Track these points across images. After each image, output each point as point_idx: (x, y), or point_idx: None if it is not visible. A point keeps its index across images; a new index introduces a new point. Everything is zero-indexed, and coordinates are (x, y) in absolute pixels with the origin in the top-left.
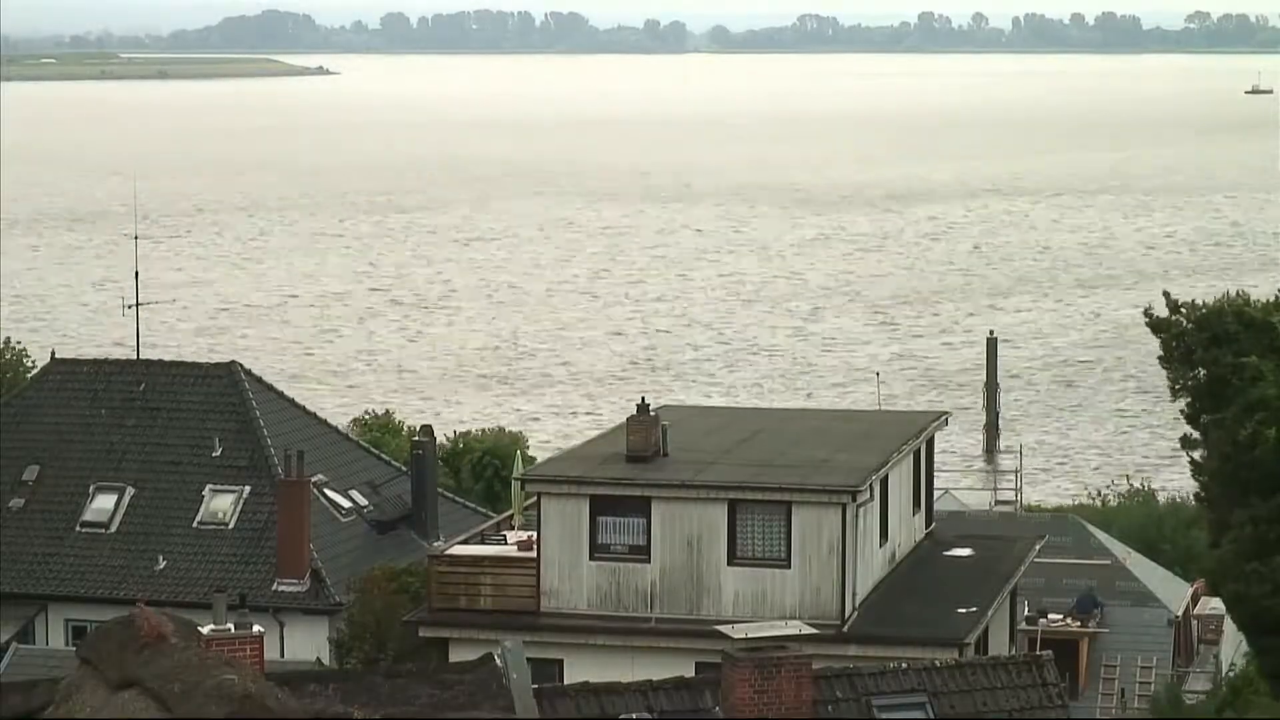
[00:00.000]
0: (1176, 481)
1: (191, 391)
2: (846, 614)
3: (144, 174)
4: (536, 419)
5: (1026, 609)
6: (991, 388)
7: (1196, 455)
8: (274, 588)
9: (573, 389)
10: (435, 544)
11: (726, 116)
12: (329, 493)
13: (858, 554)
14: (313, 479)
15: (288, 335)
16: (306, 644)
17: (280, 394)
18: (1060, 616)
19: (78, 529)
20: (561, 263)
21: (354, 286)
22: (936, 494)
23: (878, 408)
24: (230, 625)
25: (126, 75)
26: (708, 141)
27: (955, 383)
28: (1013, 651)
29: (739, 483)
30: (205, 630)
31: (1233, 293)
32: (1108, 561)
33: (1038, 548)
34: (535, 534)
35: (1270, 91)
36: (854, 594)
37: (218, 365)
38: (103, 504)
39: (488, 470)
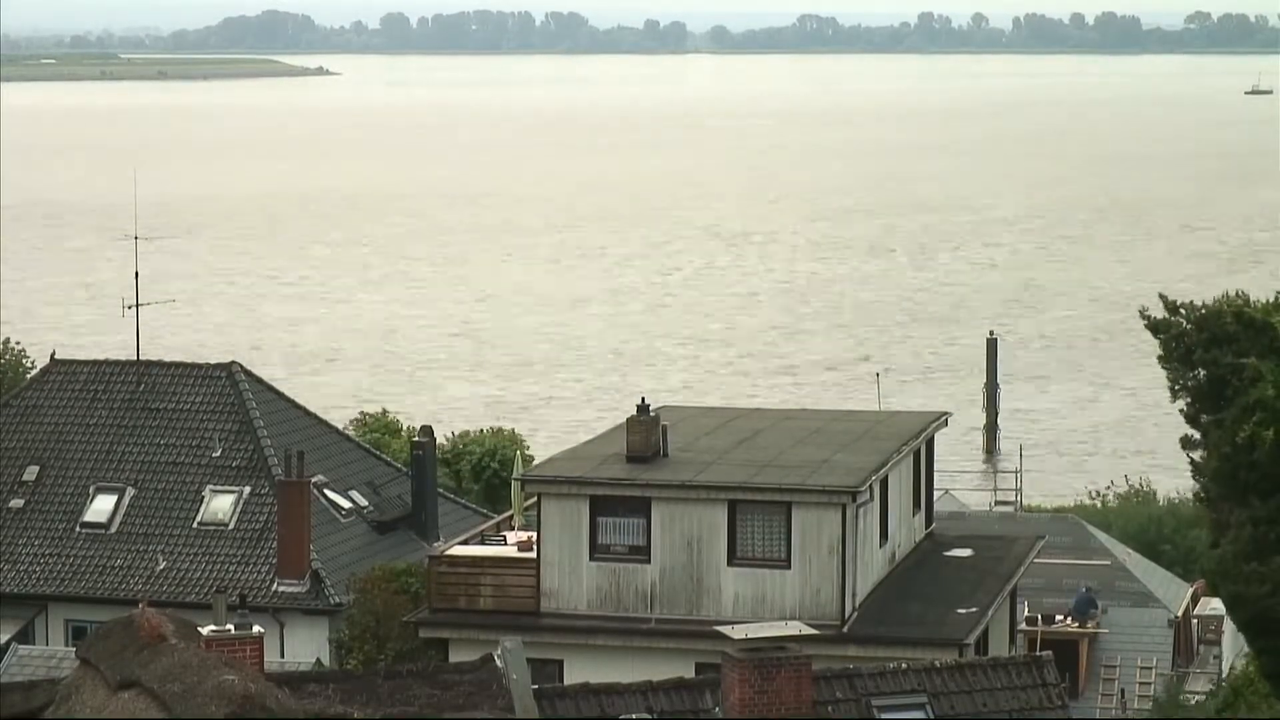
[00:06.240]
0: (1176, 481)
1: (191, 391)
2: (846, 614)
3: (144, 174)
4: (537, 419)
5: (1026, 609)
6: (991, 388)
7: (1196, 456)
8: (274, 588)
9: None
10: (435, 544)
11: None
12: (329, 493)
13: (858, 554)
14: (313, 479)
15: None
16: (306, 644)
17: (280, 394)
18: (1062, 617)
19: (78, 529)
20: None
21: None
22: (936, 494)
23: (878, 408)
24: (230, 626)
25: (126, 75)
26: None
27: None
28: (1013, 652)
29: (739, 483)
30: (205, 631)
31: (1232, 293)
32: (1108, 561)
33: (1038, 548)
34: (535, 534)
35: (1270, 92)
36: (854, 594)
37: (217, 365)
38: (103, 504)
39: (488, 470)
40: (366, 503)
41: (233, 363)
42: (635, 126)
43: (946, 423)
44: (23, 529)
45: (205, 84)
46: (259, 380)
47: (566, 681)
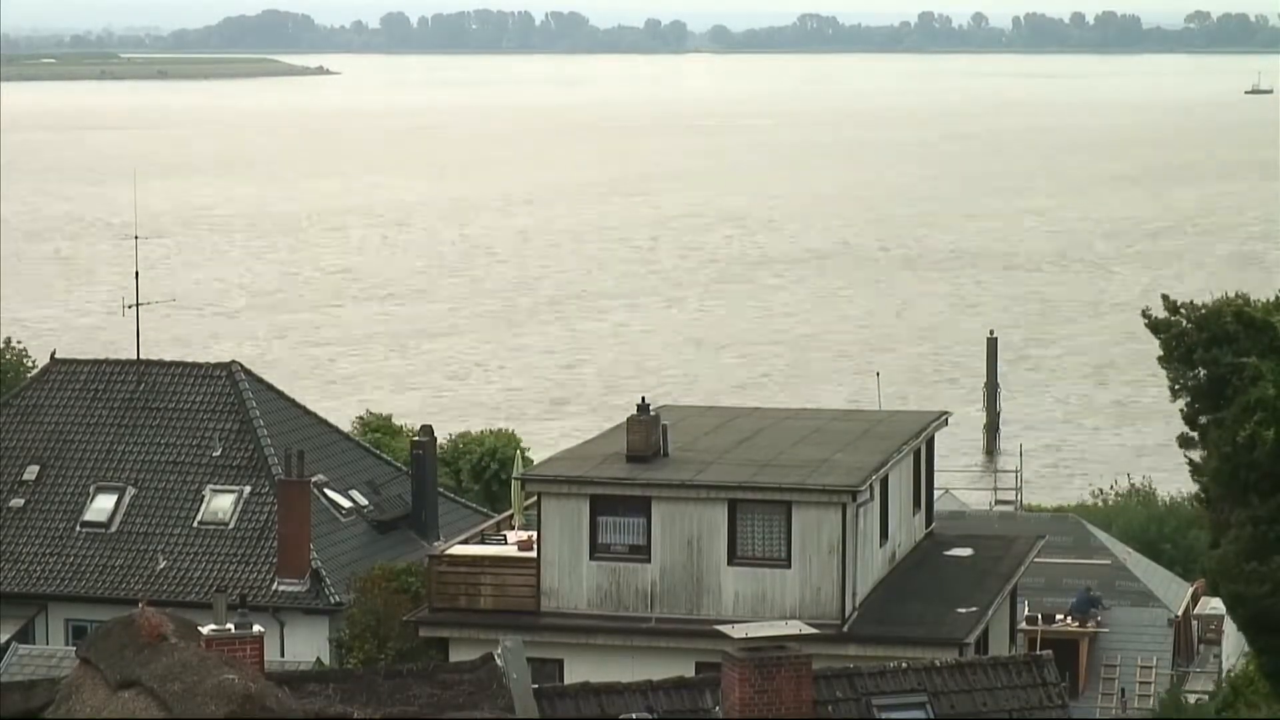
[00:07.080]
0: (1176, 481)
1: (191, 391)
2: (846, 614)
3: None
4: (537, 419)
5: (1026, 608)
6: (991, 388)
7: (1196, 455)
8: (274, 588)
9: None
10: (435, 544)
11: None
12: (329, 493)
13: (858, 554)
14: (313, 479)
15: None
16: (306, 644)
17: (280, 394)
18: (1062, 616)
19: (78, 529)
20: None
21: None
22: (936, 494)
23: (878, 408)
24: (230, 625)
25: (126, 75)
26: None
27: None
28: (1013, 651)
29: (739, 483)
30: (205, 630)
31: (1232, 293)
32: (1108, 561)
33: (1038, 547)
34: (535, 534)
35: (1270, 91)
36: (854, 594)
37: (217, 365)
38: (103, 504)
39: (488, 470)
40: (366, 502)
41: (233, 362)
42: (636, 126)
43: (946, 422)
44: (23, 528)
45: (205, 84)
46: (259, 379)
47: (566, 681)
